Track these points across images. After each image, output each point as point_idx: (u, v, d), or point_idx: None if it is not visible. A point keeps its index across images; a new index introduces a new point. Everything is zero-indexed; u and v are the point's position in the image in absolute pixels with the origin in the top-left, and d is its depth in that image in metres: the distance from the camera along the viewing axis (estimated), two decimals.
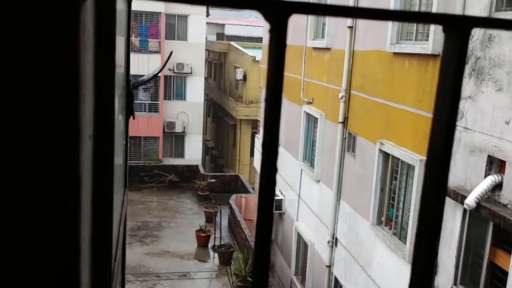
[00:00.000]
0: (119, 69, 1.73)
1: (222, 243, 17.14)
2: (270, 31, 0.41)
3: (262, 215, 0.43)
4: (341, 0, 10.75)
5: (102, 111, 0.91)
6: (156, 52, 24.81)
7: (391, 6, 8.44)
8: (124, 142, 2.05)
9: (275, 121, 0.43)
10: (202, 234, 17.37)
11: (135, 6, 24.10)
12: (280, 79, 0.42)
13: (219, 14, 44.45)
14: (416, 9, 8.01)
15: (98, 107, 0.87)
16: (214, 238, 17.35)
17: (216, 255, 16.61)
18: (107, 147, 0.97)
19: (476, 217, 6.33)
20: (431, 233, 0.47)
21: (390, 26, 8.48)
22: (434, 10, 7.25)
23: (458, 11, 6.71)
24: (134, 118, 2.10)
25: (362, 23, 9.82)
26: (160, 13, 24.79)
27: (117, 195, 1.61)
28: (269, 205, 0.44)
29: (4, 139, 0.55)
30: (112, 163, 1.05)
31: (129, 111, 2.05)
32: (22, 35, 0.51)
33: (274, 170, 0.43)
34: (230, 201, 19.11)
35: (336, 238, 10.81)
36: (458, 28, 0.45)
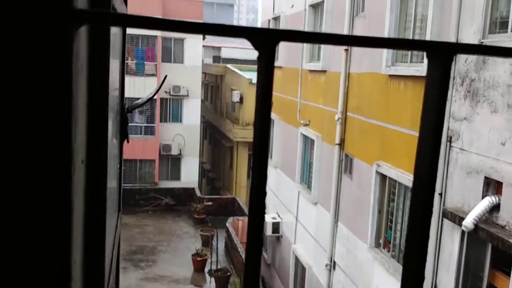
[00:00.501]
0: (114, 92, 1.71)
1: (218, 267, 16.93)
2: (258, 58, 0.42)
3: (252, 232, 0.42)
4: (339, 24, 10.86)
5: (95, 135, 0.91)
6: (152, 75, 24.94)
7: (386, 29, 8.53)
8: (118, 166, 2.03)
9: (264, 145, 0.42)
10: (199, 258, 17.17)
11: (130, 30, 24.30)
12: (268, 104, 0.42)
13: (216, 37, 44.93)
14: (411, 31, 8.10)
15: (91, 131, 0.86)
16: (211, 262, 17.15)
17: (213, 279, 16.39)
18: (100, 171, 0.97)
19: (475, 239, 6.27)
20: (420, 253, 0.45)
21: (385, 49, 8.55)
22: (428, 32, 7.32)
23: (452, 33, 6.78)
24: (128, 142, 2.08)
25: None
26: (156, 36, 25.01)
27: (110, 219, 1.59)
28: (260, 223, 0.42)
29: None
30: (105, 188, 1.04)
31: (123, 135, 2.04)
32: (15, 62, 0.53)
33: (263, 193, 0.41)
34: (227, 224, 18.97)
35: (334, 261, 10.69)
36: (441, 55, 0.44)
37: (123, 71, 2.18)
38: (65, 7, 0.50)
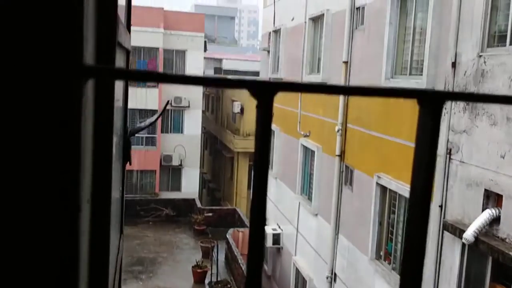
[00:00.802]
0: (117, 121, 1.75)
1: (219, 279, 16.86)
2: (257, 106, 0.44)
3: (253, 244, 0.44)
4: (338, 37, 10.93)
5: (100, 175, 0.95)
6: (154, 86, 25.05)
7: (385, 42, 8.60)
8: (121, 189, 2.06)
9: (262, 194, 0.44)
10: (199, 270, 17.11)
11: (133, 41, 24.46)
12: (266, 150, 0.45)
13: (217, 49, 45.17)
14: (410, 44, 8.16)
15: (96, 171, 0.90)
16: (211, 274, 17.08)
17: None
18: (104, 209, 1.00)
19: (475, 251, 6.27)
20: (417, 264, 0.47)
21: (384, 61, 8.62)
22: (427, 45, 7.39)
23: (451, 46, 6.83)
24: (130, 164, 2.12)
25: (357, 58, 9.98)
26: (158, 48, 25.15)
27: (112, 245, 1.61)
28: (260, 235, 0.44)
29: (7, 206, 0.59)
30: (108, 226, 1.08)
31: (126, 158, 2.07)
32: (31, 113, 0.57)
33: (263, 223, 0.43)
34: (227, 236, 18.92)
35: (335, 273, 10.66)
36: (431, 102, 0.47)
37: (127, 95, 2.20)
38: (75, 64, 0.55)
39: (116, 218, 1.83)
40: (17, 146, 0.57)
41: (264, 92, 0.44)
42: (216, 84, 0.45)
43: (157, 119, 2.99)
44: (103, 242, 1.01)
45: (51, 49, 0.56)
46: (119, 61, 1.57)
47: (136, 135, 25.29)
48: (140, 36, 24.12)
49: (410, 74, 8.17)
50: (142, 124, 2.79)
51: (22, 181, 0.59)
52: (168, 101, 3.63)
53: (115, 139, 1.64)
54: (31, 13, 0.56)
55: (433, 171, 0.48)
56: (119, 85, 1.76)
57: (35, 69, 0.54)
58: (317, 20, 12.19)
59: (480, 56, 6.31)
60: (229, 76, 0.46)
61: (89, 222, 0.88)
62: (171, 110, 26.26)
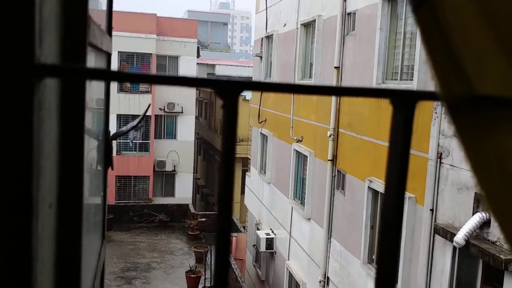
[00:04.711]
0: (97, 124, 1.75)
1: (212, 284, 16.81)
2: (222, 106, 0.45)
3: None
4: (330, 43, 11.01)
5: (68, 178, 0.91)
6: (147, 92, 25.02)
7: (376, 47, 8.67)
8: (103, 194, 2.05)
9: (228, 193, 0.46)
10: (192, 275, 17.06)
11: (126, 47, 24.47)
12: (232, 149, 0.46)
13: (210, 55, 45.20)
14: (400, 49, 8.24)
15: (64, 174, 0.88)
16: (205, 279, 17.04)
17: None
18: (73, 214, 0.96)
19: (466, 254, 6.32)
20: (392, 257, 0.47)
21: (375, 66, 8.70)
22: (417, 50, 7.46)
23: None
24: (112, 169, 2.11)
25: (348, 63, 10.05)
26: (151, 54, 25.16)
27: (92, 251, 1.59)
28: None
29: None
30: (80, 232, 1.04)
31: (108, 163, 2.06)
32: None
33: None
34: None
35: (328, 277, 10.68)
36: (404, 102, 0.50)
37: (108, 97, 2.16)
38: (25, 62, 0.53)
39: (97, 224, 1.81)
40: None
41: (229, 91, 0.44)
42: (182, 83, 0.46)
43: (138, 123, 2.99)
44: (73, 247, 0.97)
45: None
46: (96, 63, 1.57)
47: (129, 141, 25.25)
48: (133, 42, 24.13)
49: (401, 79, 8.25)
50: (124, 128, 2.80)
51: None
52: (149, 105, 3.64)
53: (95, 143, 1.63)
54: None
55: (406, 171, 0.51)
56: (98, 88, 1.76)
57: None
58: (308, 25, 12.27)
59: None
60: (194, 76, 0.47)
61: (55, 227, 0.85)
62: (164, 116, 26.24)
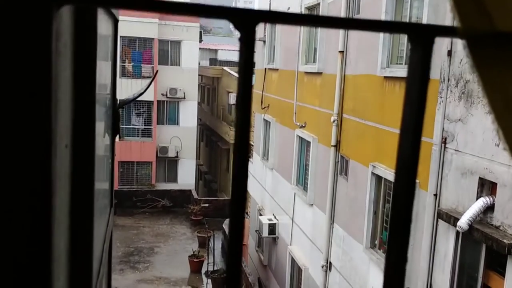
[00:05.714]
0: (105, 90, 1.73)
1: (215, 268, 16.92)
2: (240, 39, 0.43)
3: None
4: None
5: (82, 119, 0.91)
6: (149, 77, 24.93)
7: (380, 39, 8.56)
8: (110, 161, 2.04)
9: (245, 134, 0.43)
10: (195, 260, 17.17)
11: (128, 32, 24.34)
12: (249, 84, 0.43)
13: (212, 40, 44.95)
14: (405, 37, 8.14)
15: (77, 116, 0.87)
16: (208, 263, 17.15)
17: (210, 281, 16.38)
18: (86, 156, 0.96)
19: (469, 239, 6.31)
20: (403, 234, 0.46)
21: (380, 50, 8.61)
22: (425, 18, 7.36)
23: (448, 19, 6.80)
24: (120, 138, 2.10)
25: (353, 48, 9.96)
26: (153, 39, 25.02)
27: (100, 212, 1.60)
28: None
29: None
30: (93, 173, 1.04)
31: (115, 130, 2.05)
32: None
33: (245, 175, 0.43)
34: (224, 226, 18.97)
35: (330, 262, 10.71)
36: (422, 37, 0.46)
37: (115, 68, 2.16)
38: None
39: (106, 189, 1.81)
40: None
41: (246, 21, 0.41)
42: (193, 12, 0.42)
43: (146, 89, 2.98)
44: (86, 187, 0.97)
45: None
46: (106, 26, 1.55)
47: (132, 126, 25.24)
48: (135, 27, 23.98)
49: (405, 63, 8.16)
50: (131, 96, 2.79)
51: None
52: (157, 71, 3.61)
53: (103, 109, 1.62)
54: None
55: (423, 110, 0.47)
56: (105, 61, 1.73)
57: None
58: (313, 9, 12.15)
59: None
60: (208, 4, 0.43)
61: (70, 168, 0.85)
62: (166, 101, 26.18)
